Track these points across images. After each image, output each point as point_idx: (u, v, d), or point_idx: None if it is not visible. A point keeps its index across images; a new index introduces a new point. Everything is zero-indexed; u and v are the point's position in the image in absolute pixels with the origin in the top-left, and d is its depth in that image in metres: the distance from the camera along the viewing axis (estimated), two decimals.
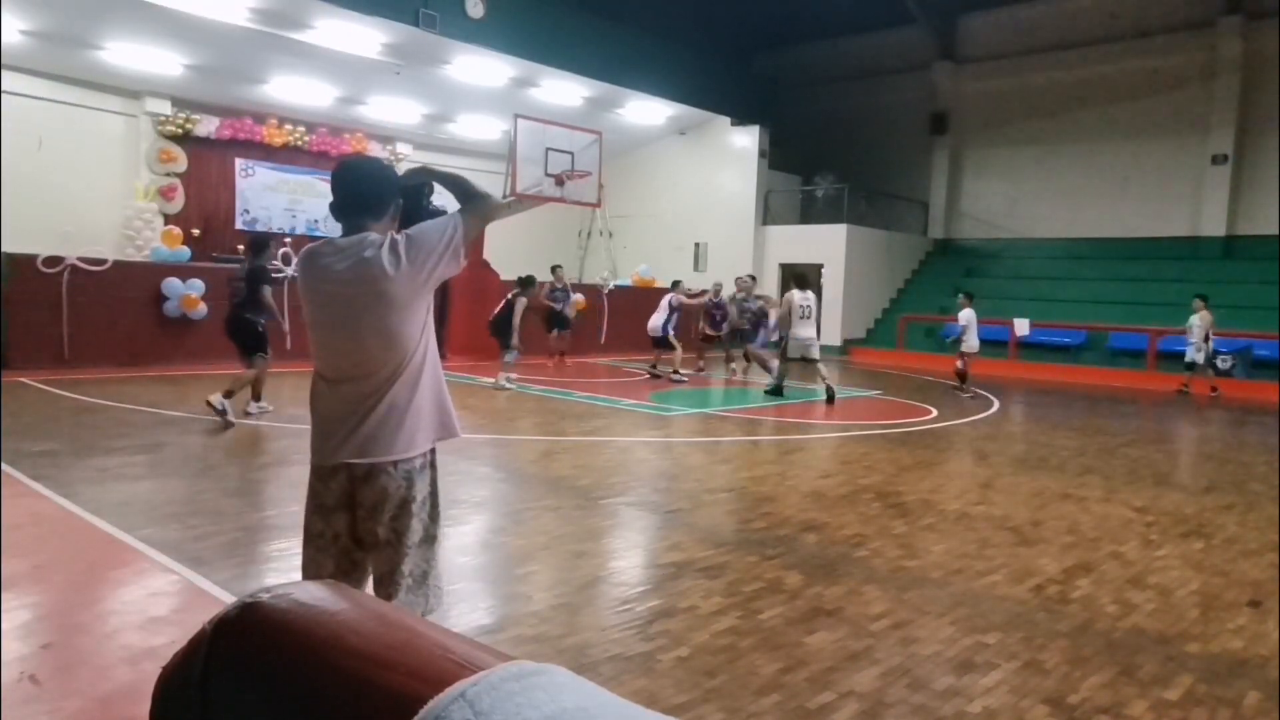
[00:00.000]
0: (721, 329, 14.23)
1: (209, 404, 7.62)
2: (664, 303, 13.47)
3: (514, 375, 11.78)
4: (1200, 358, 13.60)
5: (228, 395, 7.74)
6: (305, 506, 2.41)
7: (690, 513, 5.44)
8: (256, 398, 8.36)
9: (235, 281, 8.44)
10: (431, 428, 2.40)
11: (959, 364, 12.66)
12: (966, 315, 12.49)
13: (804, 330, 11.13)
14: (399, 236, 2.27)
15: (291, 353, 12.55)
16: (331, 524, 2.37)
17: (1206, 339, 13.57)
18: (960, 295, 12.99)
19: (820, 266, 20.30)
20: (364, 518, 2.35)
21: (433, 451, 2.44)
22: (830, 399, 10.97)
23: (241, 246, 16.04)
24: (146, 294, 11.84)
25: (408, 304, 2.28)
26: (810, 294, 11.37)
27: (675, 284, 14.32)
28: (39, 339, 10.91)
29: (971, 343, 12.57)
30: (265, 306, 8.22)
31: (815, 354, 11.29)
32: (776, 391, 11.35)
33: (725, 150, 21.28)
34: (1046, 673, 3.22)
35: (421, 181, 2.53)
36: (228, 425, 7.58)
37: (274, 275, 8.71)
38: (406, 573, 2.40)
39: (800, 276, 11.74)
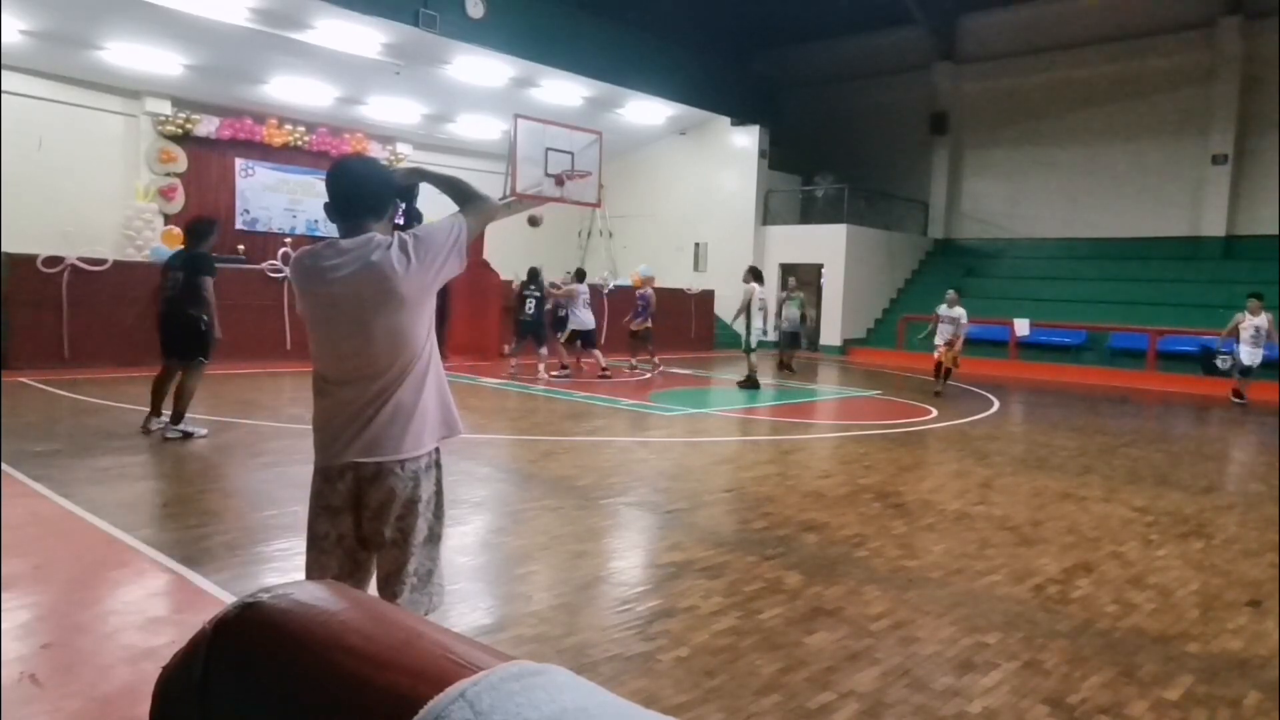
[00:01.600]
0: (640, 321, 14.01)
1: (165, 437, 6.95)
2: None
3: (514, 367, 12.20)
4: (1257, 360, 12.50)
5: (177, 419, 7.01)
6: (309, 509, 2.40)
7: (690, 513, 5.44)
8: (179, 417, 7.02)
9: (170, 271, 7.21)
10: (436, 426, 2.41)
11: (954, 358, 12.34)
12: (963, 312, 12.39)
13: (759, 320, 12.27)
14: (407, 236, 2.27)
15: (291, 353, 12.58)
16: (337, 525, 2.36)
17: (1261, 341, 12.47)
18: (951, 291, 12.71)
19: (820, 266, 20.33)
20: (370, 518, 2.35)
21: (438, 450, 2.45)
22: (750, 384, 12.09)
23: (241, 247, 16.30)
24: (146, 294, 11.82)
25: (417, 303, 2.29)
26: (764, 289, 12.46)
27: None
28: (39, 339, 10.91)
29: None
30: (205, 301, 6.98)
31: (753, 344, 12.30)
32: (752, 384, 12.11)
33: (725, 150, 21.29)
34: (1046, 673, 3.22)
35: (414, 183, 2.53)
36: (189, 437, 7.00)
37: (216, 264, 7.39)
38: (411, 572, 2.40)
39: (758, 272, 12.67)
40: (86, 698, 2.78)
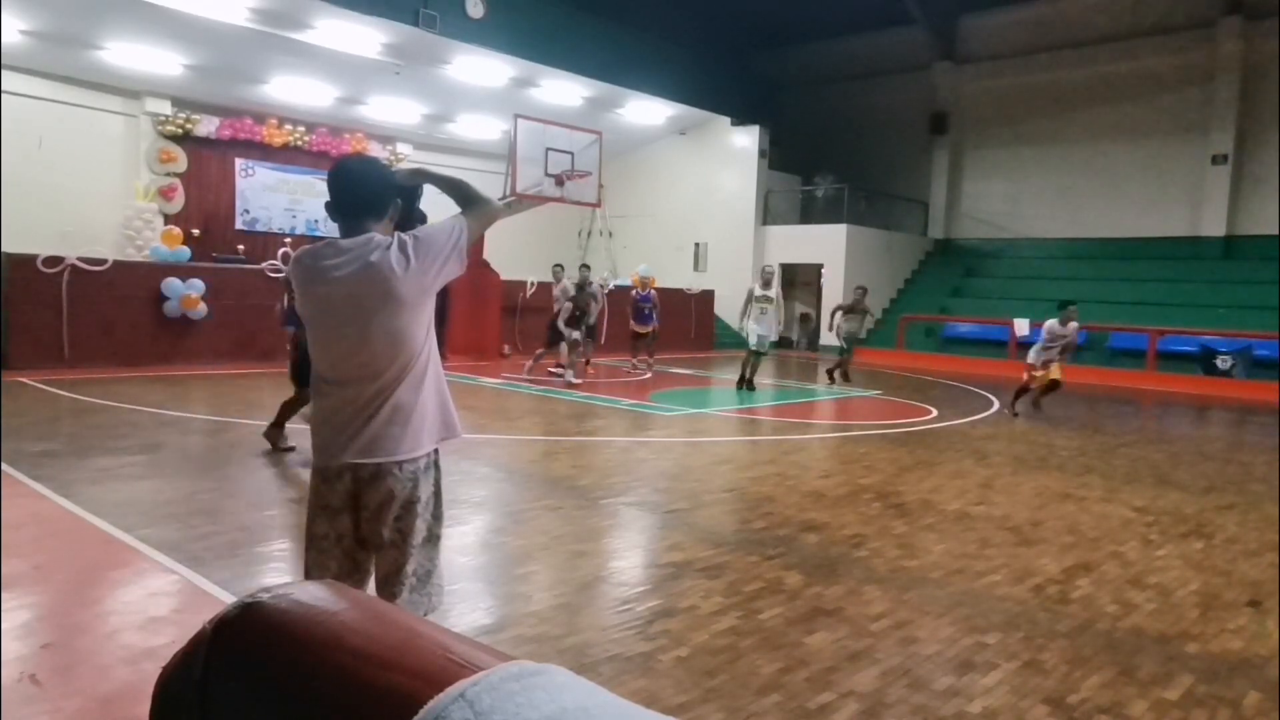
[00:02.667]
0: (648, 324, 13.80)
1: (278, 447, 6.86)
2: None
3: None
4: None
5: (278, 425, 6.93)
6: (308, 509, 2.40)
7: (690, 513, 5.44)
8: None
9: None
10: (435, 428, 2.40)
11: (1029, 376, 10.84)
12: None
13: (757, 325, 12.09)
14: (407, 237, 2.27)
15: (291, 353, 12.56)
16: (335, 526, 2.36)
17: None
18: (1073, 306, 10.78)
19: (820, 266, 20.33)
20: (369, 519, 2.35)
21: (436, 451, 2.44)
22: (746, 386, 11.93)
23: (241, 247, 16.28)
24: (146, 294, 11.83)
25: (416, 304, 2.28)
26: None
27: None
28: (39, 339, 10.91)
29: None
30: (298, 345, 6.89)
31: (761, 347, 11.97)
32: (748, 384, 12.03)
33: (725, 150, 21.29)
34: (1046, 673, 3.22)
35: (416, 184, 2.53)
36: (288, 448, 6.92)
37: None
38: (410, 573, 2.40)
39: (763, 271, 12.64)
40: (86, 698, 2.78)
